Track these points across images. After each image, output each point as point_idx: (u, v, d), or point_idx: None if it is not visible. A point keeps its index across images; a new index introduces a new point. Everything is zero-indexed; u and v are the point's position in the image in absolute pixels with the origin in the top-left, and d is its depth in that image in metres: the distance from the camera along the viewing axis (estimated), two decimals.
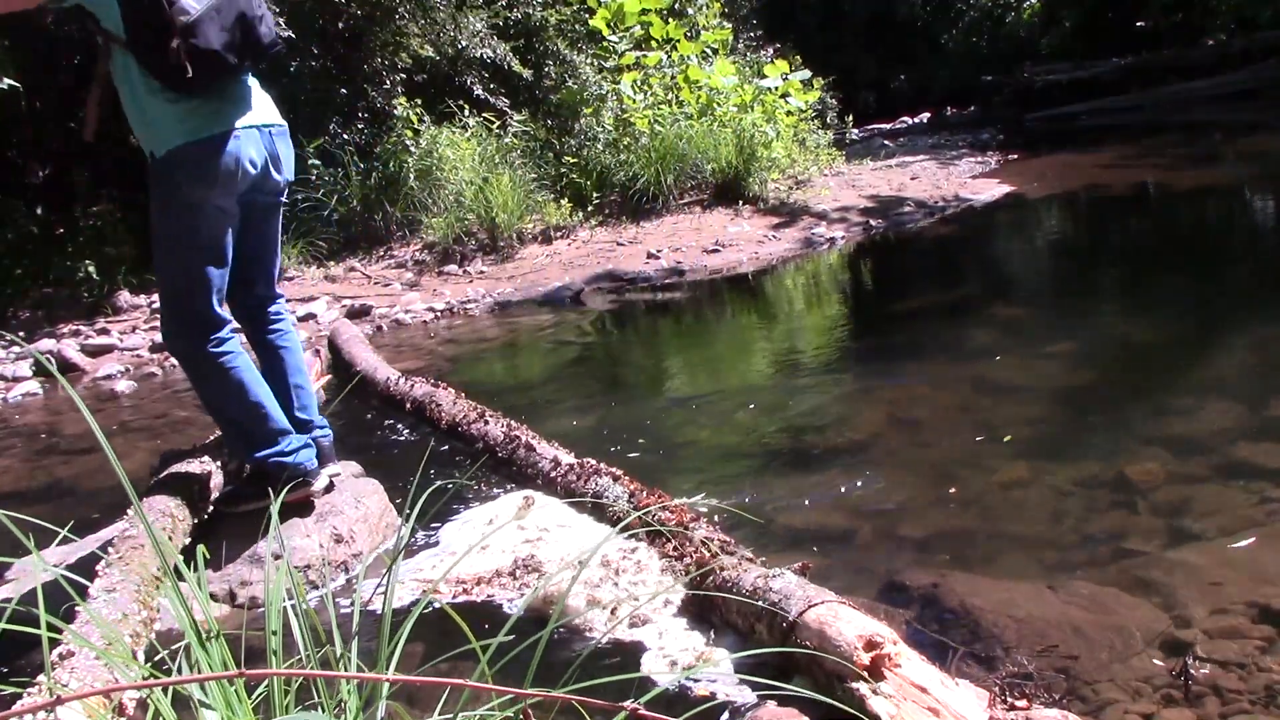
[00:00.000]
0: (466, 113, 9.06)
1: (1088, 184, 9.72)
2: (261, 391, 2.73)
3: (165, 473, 2.88)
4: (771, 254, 7.79)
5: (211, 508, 2.86)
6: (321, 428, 2.94)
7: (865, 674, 1.71)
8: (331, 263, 8.18)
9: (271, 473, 2.69)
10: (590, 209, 9.08)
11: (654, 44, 10.73)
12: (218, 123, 2.57)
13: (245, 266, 2.79)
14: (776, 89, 10.99)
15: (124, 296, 7.32)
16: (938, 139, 16.28)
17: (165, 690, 1.43)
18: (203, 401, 2.82)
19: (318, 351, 4.85)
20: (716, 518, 2.66)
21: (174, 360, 4.05)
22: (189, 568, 1.70)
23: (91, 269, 7.39)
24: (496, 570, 2.52)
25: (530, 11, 10.50)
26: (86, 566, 2.34)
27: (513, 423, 3.40)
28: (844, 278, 7.25)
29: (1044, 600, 2.19)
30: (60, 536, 1.68)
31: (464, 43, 9.55)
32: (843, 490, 2.94)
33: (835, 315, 5.82)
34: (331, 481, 2.91)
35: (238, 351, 2.71)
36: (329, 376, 4.76)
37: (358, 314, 6.75)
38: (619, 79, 10.12)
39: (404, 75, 9.44)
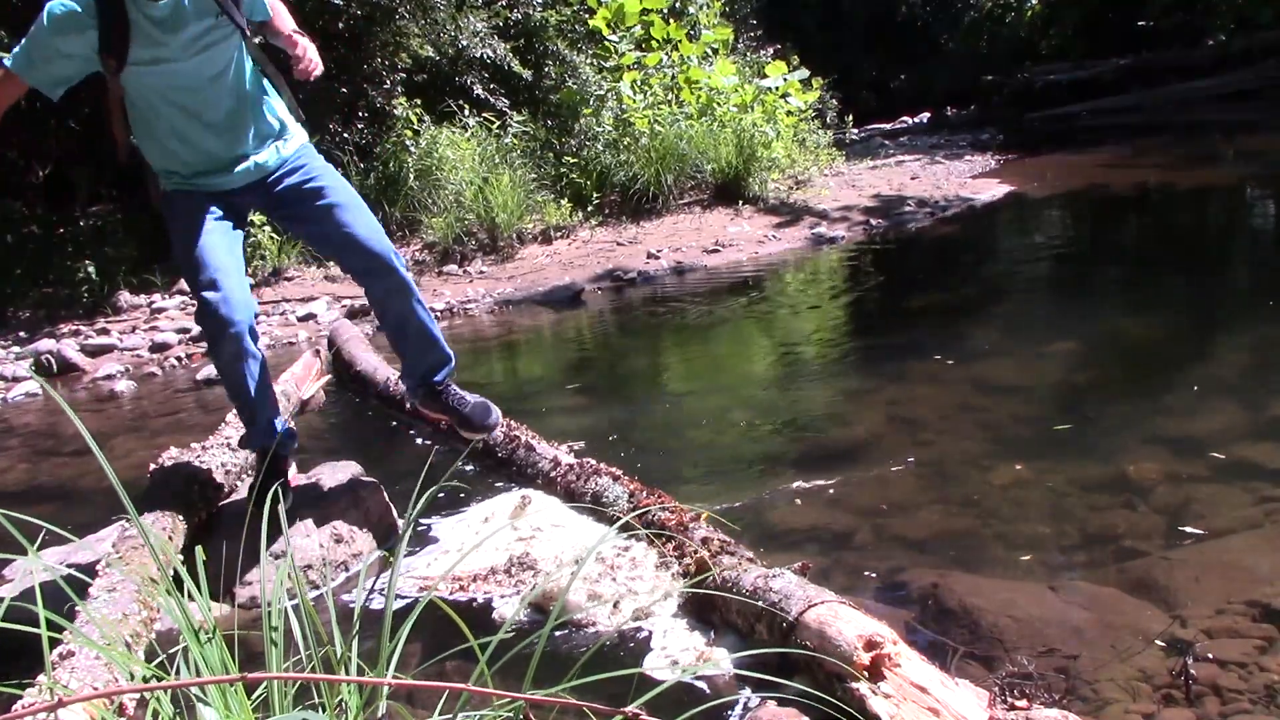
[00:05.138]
0: (466, 113, 9.06)
1: (1088, 184, 9.71)
2: None
3: (165, 472, 2.88)
4: (772, 254, 7.79)
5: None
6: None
7: (865, 674, 1.71)
8: (331, 262, 8.17)
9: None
10: (590, 209, 9.08)
11: (654, 44, 10.73)
12: None
13: None
14: (776, 89, 10.99)
15: (124, 296, 7.31)
16: (938, 139, 16.26)
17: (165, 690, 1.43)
18: None
19: (318, 351, 4.84)
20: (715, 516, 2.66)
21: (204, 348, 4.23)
22: (199, 568, 1.70)
23: (91, 269, 7.38)
24: (492, 568, 2.53)
25: (530, 12, 10.49)
26: (86, 566, 2.34)
27: (513, 423, 3.40)
28: (844, 277, 7.24)
29: (1044, 600, 2.19)
30: (62, 536, 1.68)
31: (464, 43, 9.54)
32: (843, 490, 2.94)
33: (835, 315, 5.81)
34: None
35: None
36: (329, 376, 4.75)
37: (358, 314, 6.74)
38: (619, 79, 10.12)
39: (404, 75, 9.42)
